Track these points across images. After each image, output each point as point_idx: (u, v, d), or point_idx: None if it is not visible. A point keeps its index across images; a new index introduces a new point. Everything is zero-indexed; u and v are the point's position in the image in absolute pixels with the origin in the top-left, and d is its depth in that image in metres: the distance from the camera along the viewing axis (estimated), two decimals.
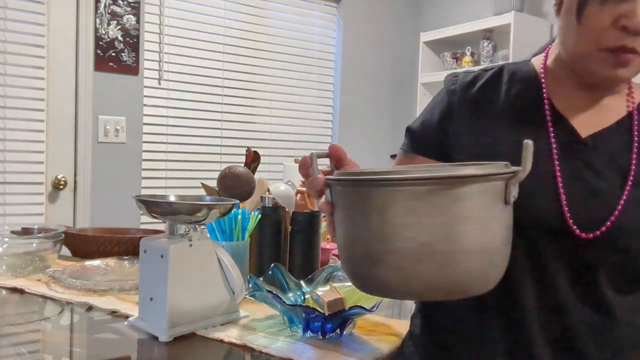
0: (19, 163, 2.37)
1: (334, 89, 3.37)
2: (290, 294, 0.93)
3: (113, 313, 0.94)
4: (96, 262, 1.22)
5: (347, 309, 0.81)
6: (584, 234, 0.69)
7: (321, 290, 0.93)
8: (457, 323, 0.79)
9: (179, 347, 0.79)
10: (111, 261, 1.23)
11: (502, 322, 0.73)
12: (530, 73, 0.79)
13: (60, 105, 2.46)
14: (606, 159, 0.71)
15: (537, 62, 0.80)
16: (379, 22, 3.47)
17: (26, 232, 1.35)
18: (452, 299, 0.60)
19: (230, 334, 0.83)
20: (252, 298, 0.87)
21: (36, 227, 1.37)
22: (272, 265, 0.95)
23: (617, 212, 0.68)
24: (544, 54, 0.80)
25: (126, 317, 0.90)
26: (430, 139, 0.81)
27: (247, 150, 1.40)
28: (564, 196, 0.70)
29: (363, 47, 3.41)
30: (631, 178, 0.70)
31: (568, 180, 0.71)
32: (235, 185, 1.22)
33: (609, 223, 0.68)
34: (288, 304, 0.83)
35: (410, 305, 1.05)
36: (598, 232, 0.68)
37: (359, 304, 0.81)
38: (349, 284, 0.95)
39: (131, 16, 2.58)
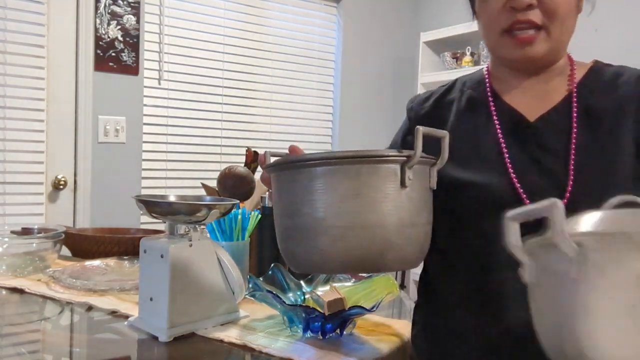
0: (19, 163, 2.37)
1: (334, 89, 3.37)
2: (290, 294, 0.93)
3: (113, 313, 0.94)
4: (96, 262, 1.22)
5: (347, 309, 0.81)
6: None
7: (321, 290, 0.93)
8: (448, 320, 0.81)
9: (179, 347, 0.79)
10: (111, 261, 1.23)
11: (489, 316, 0.75)
12: (479, 77, 0.85)
13: (60, 105, 2.46)
14: (557, 137, 0.74)
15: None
16: (379, 22, 3.47)
17: (26, 232, 1.35)
18: (355, 273, 0.68)
19: (230, 334, 0.83)
20: (252, 298, 0.87)
21: (36, 227, 1.37)
22: (272, 265, 0.95)
23: (570, 185, 0.71)
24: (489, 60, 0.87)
25: (126, 317, 0.90)
26: None
27: (247, 150, 1.40)
28: (516, 180, 0.73)
29: (363, 47, 3.41)
30: (573, 153, 0.72)
31: (522, 164, 0.74)
32: (235, 185, 1.22)
33: (565, 199, 0.70)
34: (288, 304, 0.83)
35: (411, 305, 1.05)
36: None
37: (359, 304, 0.81)
38: (349, 284, 0.96)
39: (131, 16, 2.58)
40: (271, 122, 3.11)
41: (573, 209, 0.69)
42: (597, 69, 0.80)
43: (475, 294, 0.77)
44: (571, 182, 0.70)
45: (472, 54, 3.12)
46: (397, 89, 3.56)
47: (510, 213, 0.51)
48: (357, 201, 0.60)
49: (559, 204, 0.46)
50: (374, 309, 0.78)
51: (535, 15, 0.71)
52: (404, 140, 0.89)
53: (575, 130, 0.73)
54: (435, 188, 0.68)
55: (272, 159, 0.71)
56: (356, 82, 3.40)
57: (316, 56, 3.29)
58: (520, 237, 0.51)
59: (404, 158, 0.62)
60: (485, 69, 0.85)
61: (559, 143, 0.74)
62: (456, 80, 0.89)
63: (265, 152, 0.72)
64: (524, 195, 0.72)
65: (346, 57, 3.35)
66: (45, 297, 1.02)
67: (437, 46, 3.29)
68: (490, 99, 0.80)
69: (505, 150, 0.75)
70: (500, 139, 0.76)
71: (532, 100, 0.78)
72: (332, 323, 0.81)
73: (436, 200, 0.80)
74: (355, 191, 0.60)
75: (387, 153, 0.62)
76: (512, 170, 0.74)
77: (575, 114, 0.74)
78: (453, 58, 3.22)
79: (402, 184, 0.61)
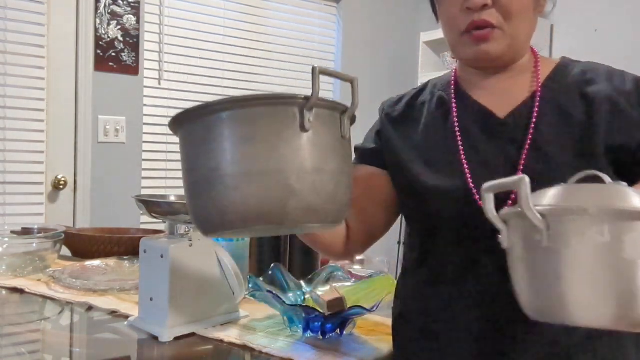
0: (19, 163, 2.37)
1: (333, 89, 3.37)
2: (290, 294, 0.93)
3: (113, 313, 0.94)
4: (96, 262, 1.22)
5: (347, 309, 0.81)
6: None
7: (321, 290, 0.93)
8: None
9: (179, 347, 0.79)
10: (111, 261, 1.23)
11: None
12: (448, 79, 0.87)
13: (60, 105, 2.46)
14: (526, 132, 0.74)
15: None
16: (379, 22, 3.47)
17: (26, 232, 1.35)
18: (256, 225, 0.60)
19: (230, 334, 0.83)
20: (252, 298, 0.87)
21: (36, 227, 1.37)
22: (272, 265, 0.95)
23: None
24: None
25: (126, 317, 0.90)
26: (370, 151, 0.90)
27: None
28: (470, 180, 0.73)
29: (363, 47, 3.41)
30: (524, 155, 0.72)
31: (491, 160, 0.75)
32: None
33: (512, 196, 0.70)
34: (288, 304, 0.83)
35: None
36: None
37: (359, 304, 0.81)
38: (349, 284, 0.96)
39: (131, 16, 2.58)
40: None
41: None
42: (563, 66, 0.80)
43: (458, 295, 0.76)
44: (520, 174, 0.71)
45: None
46: (397, 89, 3.54)
47: (486, 185, 0.58)
48: (252, 146, 0.57)
49: (526, 179, 0.54)
50: (374, 309, 0.79)
51: (491, 15, 0.73)
52: (376, 137, 0.90)
53: (532, 126, 0.73)
54: (347, 137, 0.64)
55: None
56: None
57: (316, 56, 3.28)
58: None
59: (302, 100, 0.58)
60: (453, 70, 0.87)
61: (525, 139, 0.74)
62: (428, 82, 0.91)
63: None
64: (475, 191, 0.72)
65: (346, 57, 3.35)
66: (45, 297, 1.02)
67: (437, 46, 3.29)
68: (454, 99, 0.82)
69: (462, 148, 0.76)
70: (458, 138, 0.78)
71: (499, 98, 0.79)
72: (332, 323, 0.81)
73: (411, 204, 0.82)
74: (251, 135, 0.57)
75: (283, 94, 0.60)
76: (466, 169, 0.75)
77: (536, 111, 0.75)
78: (453, 58, 3.21)
79: (302, 127, 0.58)
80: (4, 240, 1.20)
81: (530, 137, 0.73)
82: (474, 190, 0.73)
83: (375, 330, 0.87)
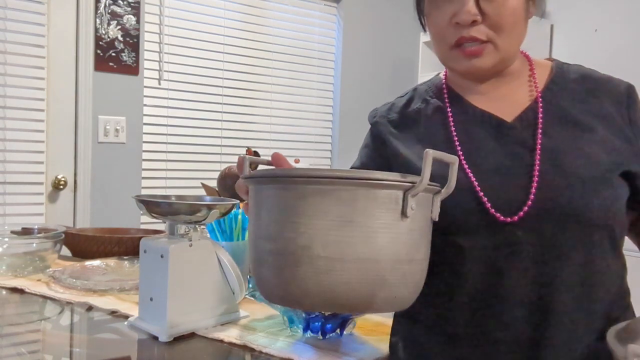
0: (19, 163, 2.37)
1: (334, 89, 3.37)
2: None
3: (113, 313, 0.94)
4: (96, 262, 1.22)
5: None
6: (509, 219, 0.68)
7: None
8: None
9: (179, 347, 0.80)
10: (111, 261, 1.23)
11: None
12: (438, 84, 0.84)
13: (60, 105, 2.46)
14: (534, 136, 0.72)
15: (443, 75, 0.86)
16: (379, 22, 3.47)
17: (26, 232, 1.35)
18: (338, 312, 0.60)
19: (230, 334, 0.83)
20: (252, 298, 0.87)
21: (36, 227, 1.37)
22: None
23: (533, 187, 0.68)
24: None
25: (126, 317, 0.90)
26: (375, 167, 0.85)
27: (247, 151, 1.40)
28: (476, 183, 0.70)
29: (363, 47, 3.41)
30: (538, 159, 0.70)
31: (504, 166, 0.71)
32: (235, 185, 1.21)
33: (529, 202, 0.68)
34: None
35: None
36: (522, 214, 0.67)
37: None
38: None
39: (131, 16, 2.58)
40: (271, 122, 3.11)
41: (536, 210, 0.67)
42: (558, 68, 0.78)
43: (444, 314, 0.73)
44: (535, 185, 0.68)
45: None
46: (397, 89, 3.55)
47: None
48: (349, 230, 0.54)
49: None
50: None
51: (480, 32, 0.71)
52: (376, 151, 0.85)
53: (540, 131, 0.72)
54: (437, 219, 0.62)
55: (251, 166, 0.67)
56: (356, 82, 3.40)
57: (316, 56, 3.29)
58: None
59: (409, 184, 0.55)
60: (443, 75, 0.84)
61: (535, 142, 0.72)
62: (415, 89, 0.87)
63: (244, 157, 0.67)
64: (492, 210, 0.69)
65: (346, 57, 3.35)
66: (45, 297, 1.02)
67: None
68: (448, 106, 0.79)
69: (461, 154, 0.74)
70: (457, 145, 0.75)
71: (499, 103, 0.76)
72: (332, 323, 0.81)
73: None
74: (348, 218, 0.54)
75: (389, 177, 0.55)
76: (469, 173, 0.72)
77: (541, 116, 0.73)
78: None
79: (403, 213, 0.55)
80: (4, 240, 1.20)
81: (539, 141, 0.71)
82: (480, 193, 0.69)
83: (375, 330, 0.87)
